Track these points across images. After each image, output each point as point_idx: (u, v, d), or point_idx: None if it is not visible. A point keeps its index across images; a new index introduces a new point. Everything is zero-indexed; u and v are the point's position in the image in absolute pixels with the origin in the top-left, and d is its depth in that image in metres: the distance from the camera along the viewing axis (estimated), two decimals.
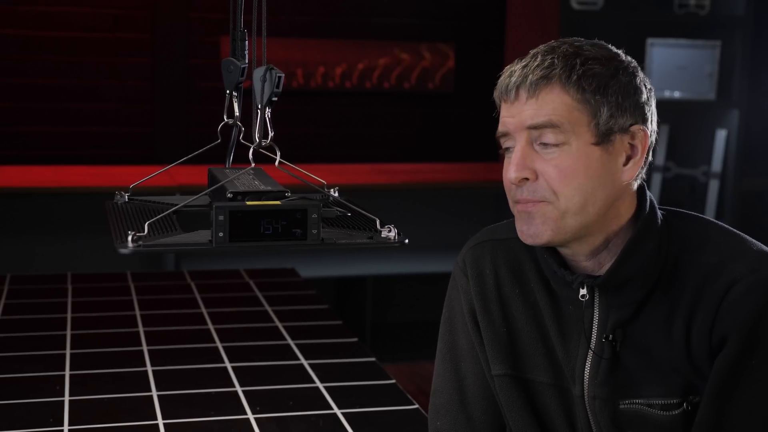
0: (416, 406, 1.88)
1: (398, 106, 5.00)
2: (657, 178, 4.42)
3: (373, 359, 2.17)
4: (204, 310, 2.54)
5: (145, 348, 2.22)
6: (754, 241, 1.33)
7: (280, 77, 1.37)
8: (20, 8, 4.50)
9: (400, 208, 4.38)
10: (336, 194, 1.51)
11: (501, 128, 1.32)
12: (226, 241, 1.23)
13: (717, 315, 1.26)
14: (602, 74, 1.27)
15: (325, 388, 1.97)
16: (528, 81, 1.28)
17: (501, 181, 1.34)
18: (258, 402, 1.89)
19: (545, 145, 1.28)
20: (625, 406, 1.33)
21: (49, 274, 2.96)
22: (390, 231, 1.32)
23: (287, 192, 1.34)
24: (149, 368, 2.08)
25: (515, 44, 4.49)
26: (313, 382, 2.01)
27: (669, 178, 4.48)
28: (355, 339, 2.33)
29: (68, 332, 2.33)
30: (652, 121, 1.32)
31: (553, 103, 1.27)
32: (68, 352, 2.18)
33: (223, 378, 2.03)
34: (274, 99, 1.38)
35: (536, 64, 1.28)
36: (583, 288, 1.33)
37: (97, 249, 3.83)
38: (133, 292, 2.72)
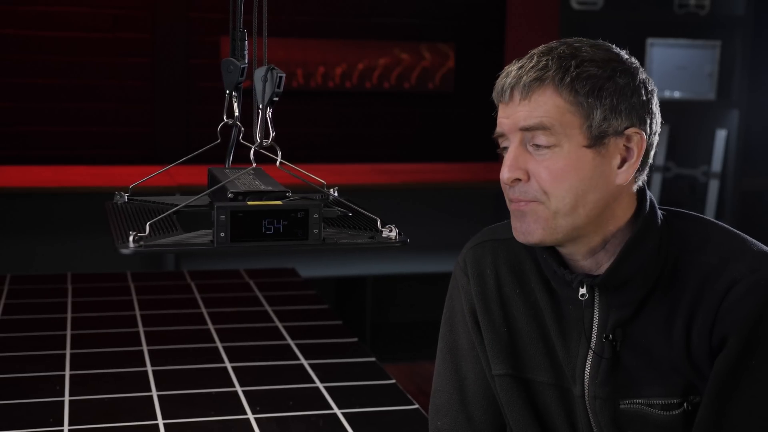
0: (416, 406, 1.88)
1: (398, 106, 5.01)
2: (657, 178, 4.42)
3: (373, 359, 2.17)
4: (204, 310, 2.54)
5: (145, 348, 2.22)
6: (754, 241, 1.33)
7: (281, 77, 1.37)
8: (20, 8, 4.50)
9: (400, 208, 4.38)
10: (335, 194, 1.51)
11: (497, 129, 1.33)
12: (228, 241, 1.23)
13: (717, 315, 1.26)
14: (597, 76, 1.27)
15: (325, 388, 1.97)
16: (522, 82, 1.28)
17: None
18: (258, 402, 1.89)
19: (538, 146, 1.28)
20: (626, 406, 1.33)
21: (49, 274, 2.96)
22: (391, 231, 1.32)
23: (288, 192, 1.34)
24: (149, 368, 2.08)
25: (515, 44, 4.48)
26: (313, 382, 2.01)
27: (669, 178, 4.48)
28: (355, 339, 2.33)
29: (68, 332, 2.33)
30: (651, 123, 1.31)
31: (546, 105, 1.27)
32: (68, 352, 2.18)
33: (223, 378, 2.03)
34: (275, 99, 1.38)
35: (531, 65, 1.29)
36: (582, 287, 1.33)
37: (97, 249, 3.83)
38: (133, 292, 2.72)
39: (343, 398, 1.91)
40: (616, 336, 1.33)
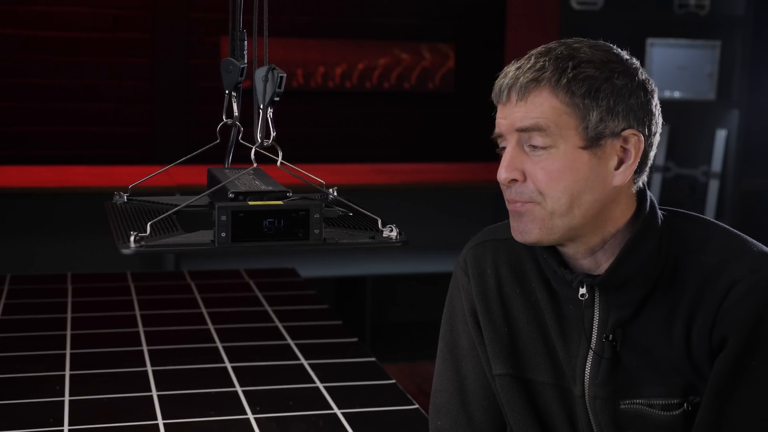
0: (416, 406, 1.88)
1: (398, 106, 5.01)
2: (657, 178, 4.42)
3: (373, 359, 2.17)
4: (204, 310, 2.54)
5: (145, 348, 2.22)
6: (754, 241, 1.33)
7: (282, 77, 1.37)
8: (20, 8, 4.50)
9: (400, 208, 4.38)
10: (335, 194, 1.51)
11: (496, 129, 1.33)
12: (229, 241, 1.23)
13: (717, 315, 1.26)
14: (594, 78, 1.27)
15: (325, 388, 1.97)
16: (518, 83, 1.28)
17: None
18: (258, 402, 1.89)
19: (534, 147, 1.28)
20: (626, 406, 1.33)
21: (49, 274, 2.96)
22: (391, 231, 1.33)
23: (289, 192, 1.34)
24: (149, 368, 2.08)
25: (515, 44, 4.48)
26: (313, 382, 2.01)
27: (669, 178, 4.48)
28: (355, 339, 2.33)
29: (68, 332, 2.33)
30: (650, 125, 1.30)
31: (542, 106, 1.27)
32: (68, 352, 2.18)
33: (223, 378, 2.03)
34: (276, 99, 1.38)
35: (528, 66, 1.29)
36: (582, 287, 1.33)
37: (97, 249, 3.83)
38: (133, 292, 2.72)
39: (343, 398, 1.91)
40: (616, 336, 1.33)
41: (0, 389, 1.94)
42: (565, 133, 1.27)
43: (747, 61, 4.27)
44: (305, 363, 2.12)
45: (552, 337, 1.38)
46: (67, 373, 2.03)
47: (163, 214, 1.32)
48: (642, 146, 1.30)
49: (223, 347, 2.23)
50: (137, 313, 2.52)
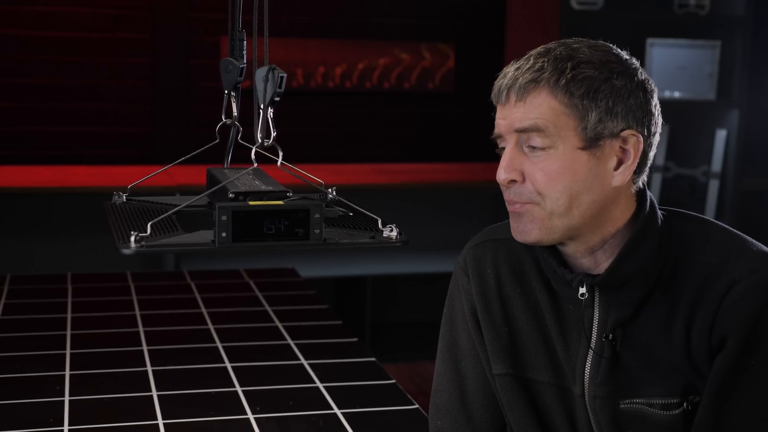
0: (416, 406, 1.88)
1: (398, 106, 5.01)
2: (657, 178, 4.42)
3: (373, 359, 2.17)
4: (204, 310, 2.54)
5: (145, 348, 2.22)
6: (754, 241, 1.33)
7: (282, 77, 1.37)
8: (20, 8, 4.50)
9: (400, 208, 4.38)
10: (334, 194, 1.51)
11: (495, 130, 1.33)
12: (229, 241, 1.23)
13: (717, 315, 1.26)
14: (593, 78, 1.27)
15: (325, 388, 1.97)
16: (517, 84, 1.28)
17: None
18: (258, 402, 1.89)
19: (533, 148, 1.28)
20: (626, 405, 1.33)
21: (49, 274, 2.96)
22: (392, 231, 1.33)
23: (289, 192, 1.34)
24: (149, 368, 2.08)
25: (515, 44, 4.49)
26: (313, 382, 2.01)
27: (669, 178, 4.48)
28: (355, 339, 2.33)
29: (68, 332, 2.33)
30: (650, 125, 1.30)
31: (541, 107, 1.27)
32: (68, 352, 2.18)
33: (223, 378, 2.03)
34: (277, 99, 1.38)
35: (527, 67, 1.29)
36: (582, 287, 1.33)
37: (97, 249, 3.83)
38: (133, 292, 2.72)
39: (343, 398, 1.91)
40: (615, 336, 1.33)
41: (0, 389, 1.94)
42: (563, 134, 1.27)
43: (747, 61, 4.27)
44: (305, 363, 2.12)
45: (552, 336, 1.38)
46: (67, 373, 2.03)
47: (163, 214, 1.32)
48: (641, 146, 1.30)
49: (223, 347, 2.23)
50: (137, 313, 2.52)
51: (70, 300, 2.62)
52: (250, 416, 1.82)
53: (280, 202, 1.28)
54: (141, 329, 2.37)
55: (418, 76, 4.96)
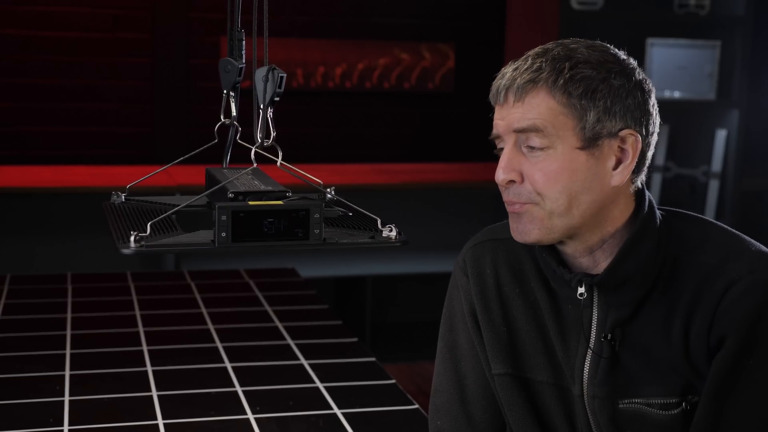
0: (416, 406, 1.88)
1: (398, 106, 5.01)
2: (657, 178, 4.42)
3: (373, 359, 2.17)
4: (204, 310, 2.55)
5: (145, 348, 2.22)
6: (753, 241, 1.33)
7: (282, 77, 1.37)
8: (20, 8, 4.50)
9: (400, 208, 4.38)
10: (332, 194, 1.51)
11: (493, 130, 1.33)
12: (229, 241, 1.23)
13: (715, 315, 1.26)
14: (591, 78, 1.27)
15: (325, 388, 1.97)
16: (516, 84, 1.28)
17: None
18: (258, 402, 1.89)
19: (531, 148, 1.28)
20: (625, 405, 1.34)
21: (49, 274, 2.96)
22: (391, 231, 1.33)
23: (288, 192, 1.35)
24: (149, 368, 2.08)
25: (515, 44, 4.49)
26: (313, 382, 2.01)
27: (669, 178, 4.48)
28: (355, 339, 2.33)
29: (68, 332, 2.33)
30: (648, 124, 1.30)
31: (539, 107, 1.27)
32: (68, 352, 2.18)
33: (223, 378, 2.03)
34: (276, 99, 1.38)
35: (525, 67, 1.29)
36: (581, 286, 1.33)
37: (97, 249, 3.83)
38: (133, 292, 2.72)
39: (343, 398, 1.91)
40: (614, 335, 1.33)
41: (0, 389, 1.94)
42: (562, 134, 1.27)
43: (747, 61, 4.27)
44: (305, 363, 2.13)
45: (551, 336, 1.38)
46: (67, 373, 2.04)
47: (163, 214, 1.32)
48: (639, 146, 1.30)
49: (223, 347, 2.24)
50: (137, 313, 2.52)
51: (70, 300, 2.62)
52: (250, 416, 1.82)
53: (280, 202, 1.28)
54: (141, 329, 2.37)
55: (418, 76, 4.96)
